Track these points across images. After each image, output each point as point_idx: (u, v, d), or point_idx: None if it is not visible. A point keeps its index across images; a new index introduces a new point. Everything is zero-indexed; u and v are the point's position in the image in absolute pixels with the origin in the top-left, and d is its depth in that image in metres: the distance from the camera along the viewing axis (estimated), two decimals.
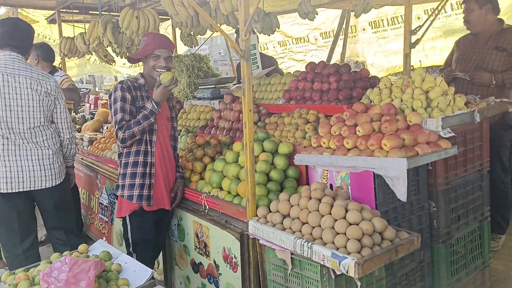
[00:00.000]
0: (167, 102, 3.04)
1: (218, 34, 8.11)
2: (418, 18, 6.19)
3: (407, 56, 3.34)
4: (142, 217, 2.86)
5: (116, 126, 2.75)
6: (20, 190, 2.93)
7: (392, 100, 2.81)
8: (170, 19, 6.11)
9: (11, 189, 2.91)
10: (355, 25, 7.08)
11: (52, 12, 5.80)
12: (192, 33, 4.80)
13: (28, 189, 2.96)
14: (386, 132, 2.43)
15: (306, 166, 2.74)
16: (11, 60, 2.91)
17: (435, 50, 6.33)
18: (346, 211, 2.06)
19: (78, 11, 5.51)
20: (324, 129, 2.69)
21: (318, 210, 2.14)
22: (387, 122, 2.45)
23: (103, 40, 3.85)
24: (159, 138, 2.93)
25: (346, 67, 3.31)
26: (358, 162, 2.32)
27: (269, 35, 4.44)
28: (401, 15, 6.39)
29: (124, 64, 9.01)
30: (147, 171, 2.85)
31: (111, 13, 4.25)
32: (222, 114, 3.90)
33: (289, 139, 2.99)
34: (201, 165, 3.22)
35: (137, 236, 2.87)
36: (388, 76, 6.52)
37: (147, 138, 2.87)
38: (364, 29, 7.00)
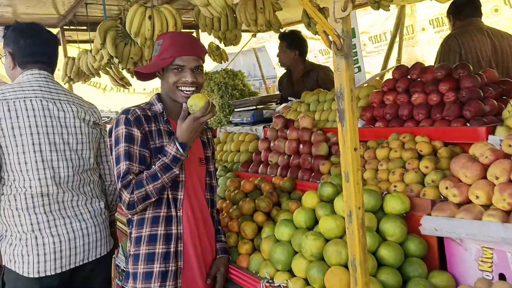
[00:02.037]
0: (199, 136, 1.99)
1: (247, 48, 7.13)
2: (496, 10, 5.01)
3: None
4: None
5: (119, 183, 1.70)
6: (72, 267, 2.00)
7: None
8: (194, 31, 5.15)
9: (61, 267, 1.96)
10: (412, 25, 5.95)
11: (55, 31, 4.94)
12: (223, 43, 3.78)
13: (81, 263, 2.03)
14: None
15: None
16: (45, 81, 2.04)
17: None
18: None
19: (86, 28, 4.62)
20: (470, 172, 1.55)
21: None
22: None
23: (102, 53, 2.86)
24: (189, 193, 1.86)
25: (465, 68, 2.17)
26: None
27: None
28: None
29: (144, 89, 7.99)
30: (172, 250, 1.77)
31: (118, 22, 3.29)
32: (272, 144, 2.81)
33: (395, 186, 1.85)
34: (252, 227, 2.11)
35: None
36: None
37: (169, 196, 1.81)
38: (423, 29, 5.84)
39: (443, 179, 1.72)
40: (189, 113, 1.75)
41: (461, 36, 3.10)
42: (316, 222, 1.84)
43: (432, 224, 1.55)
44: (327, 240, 1.68)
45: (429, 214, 1.61)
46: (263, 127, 3.21)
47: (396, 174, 1.90)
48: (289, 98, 3.51)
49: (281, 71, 8.00)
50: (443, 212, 1.55)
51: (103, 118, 2.83)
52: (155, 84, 7.11)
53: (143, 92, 7.63)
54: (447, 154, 1.92)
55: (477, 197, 1.49)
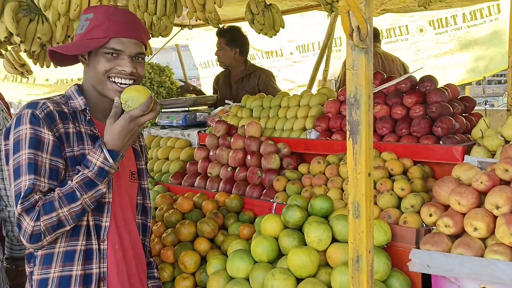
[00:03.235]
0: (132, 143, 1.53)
1: (171, 44, 6.60)
2: (421, 30, 5.22)
3: None
4: None
5: (19, 206, 1.19)
6: None
7: None
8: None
9: None
10: (340, 37, 5.98)
11: None
12: (150, 33, 3.29)
13: None
14: None
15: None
16: None
17: (438, 69, 5.38)
18: None
19: None
20: (466, 199, 1.34)
21: None
22: None
23: None
24: (116, 218, 1.40)
25: (431, 81, 2.03)
26: None
27: (271, 37, 3.10)
28: (399, 26, 5.40)
29: (47, 80, 6.89)
30: None
31: None
32: (211, 154, 2.43)
33: None
34: (195, 258, 1.70)
35: None
36: None
37: (90, 223, 1.33)
38: None
39: (424, 204, 1.51)
40: (123, 110, 1.31)
41: None
42: (279, 254, 1.51)
43: (423, 260, 1.31)
44: (298, 280, 1.36)
45: (417, 247, 1.38)
46: (199, 132, 2.80)
47: None
48: (226, 101, 3.16)
49: (205, 72, 7.60)
50: (436, 245, 1.32)
51: None
52: (61, 75, 6.13)
53: (45, 83, 6.53)
54: (420, 174, 1.73)
55: (475, 229, 1.29)
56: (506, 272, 1.16)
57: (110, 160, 1.27)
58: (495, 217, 1.28)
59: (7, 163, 1.27)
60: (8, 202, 1.62)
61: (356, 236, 0.96)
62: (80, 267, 1.30)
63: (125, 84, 1.36)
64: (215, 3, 2.28)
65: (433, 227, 1.45)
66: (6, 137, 1.28)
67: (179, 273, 1.70)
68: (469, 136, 1.88)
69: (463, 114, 2.08)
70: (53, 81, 6.52)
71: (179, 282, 1.66)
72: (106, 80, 1.35)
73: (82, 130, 1.35)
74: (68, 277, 1.28)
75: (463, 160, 1.67)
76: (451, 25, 4.97)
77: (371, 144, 0.96)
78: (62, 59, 1.43)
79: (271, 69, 6.94)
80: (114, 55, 1.34)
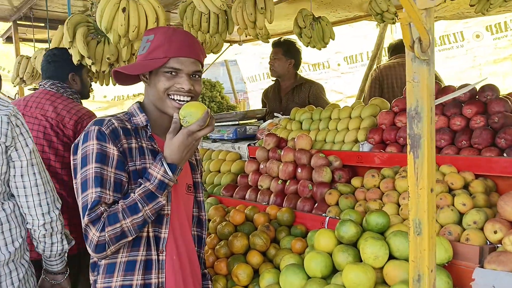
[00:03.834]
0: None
1: (219, 60, 6.76)
2: (477, 36, 5.00)
3: None
4: None
5: (86, 217, 1.27)
6: None
7: None
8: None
9: None
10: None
11: (7, 26, 4.34)
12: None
13: None
14: None
15: None
16: None
17: (497, 75, 5.11)
18: None
19: (43, 24, 4.06)
20: None
21: None
22: None
23: (71, 53, 2.37)
24: (174, 230, 1.45)
25: (492, 90, 1.93)
26: None
27: (319, 49, 3.11)
28: (453, 33, 5.19)
29: (105, 96, 7.32)
30: None
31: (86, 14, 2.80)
32: (262, 166, 2.45)
33: None
34: (248, 271, 1.72)
35: None
36: None
37: (150, 234, 1.39)
38: None
39: (488, 220, 1.43)
40: (181, 126, 1.37)
41: (383, 68, 3.70)
42: (333, 270, 1.48)
43: (489, 280, 1.23)
44: None
45: (481, 266, 1.30)
46: (248, 145, 2.84)
47: None
48: (275, 114, 3.18)
49: (252, 85, 7.70)
50: (502, 265, 1.24)
51: None
52: (118, 92, 6.50)
53: (103, 99, 6.94)
54: (482, 188, 1.64)
55: None
56: None
57: (170, 173, 1.32)
58: None
59: (75, 177, 1.36)
60: (28, 220, 1.61)
61: (417, 255, 0.93)
62: (140, 277, 1.35)
63: (183, 101, 1.42)
64: (265, 19, 2.32)
65: (498, 245, 1.37)
66: (75, 153, 1.38)
67: (232, 286, 1.72)
68: None
69: None
70: (110, 97, 6.89)
71: None
72: (165, 98, 1.42)
73: (144, 145, 1.42)
74: (129, 287, 1.34)
75: None
76: (511, 29, 4.71)
77: (433, 159, 0.93)
78: (125, 78, 1.51)
79: (318, 81, 6.96)
80: (173, 73, 1.41)
